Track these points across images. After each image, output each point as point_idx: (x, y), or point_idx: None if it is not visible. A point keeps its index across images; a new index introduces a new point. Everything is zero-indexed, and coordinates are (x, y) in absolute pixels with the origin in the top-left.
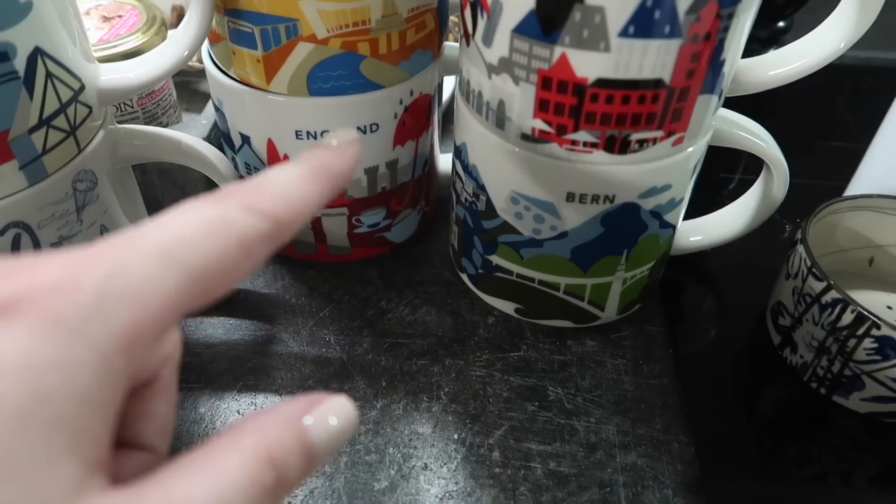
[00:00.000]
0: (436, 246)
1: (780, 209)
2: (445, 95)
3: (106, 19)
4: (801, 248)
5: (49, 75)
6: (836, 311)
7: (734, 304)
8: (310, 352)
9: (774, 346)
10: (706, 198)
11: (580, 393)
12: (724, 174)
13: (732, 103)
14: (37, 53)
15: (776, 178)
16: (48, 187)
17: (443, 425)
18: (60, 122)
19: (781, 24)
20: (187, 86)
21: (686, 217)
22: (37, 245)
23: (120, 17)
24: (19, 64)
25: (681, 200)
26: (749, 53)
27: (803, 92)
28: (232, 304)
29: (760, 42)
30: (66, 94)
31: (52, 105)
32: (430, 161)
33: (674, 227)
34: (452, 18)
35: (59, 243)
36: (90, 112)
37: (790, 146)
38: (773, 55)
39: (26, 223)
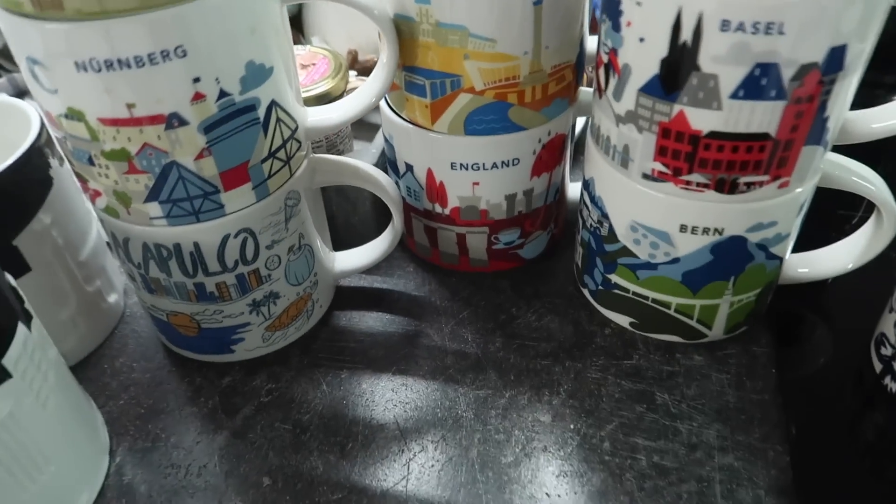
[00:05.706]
0: (561, 264)
1: (893, 244)
2: (577, 130)
3: (303, 66)
4: None
5: (278, 120)
6: None
7: (842, 333)
8: (451, 346)
9: (876, 374)
10: (827, 234)
11: (685, 400)
12: (843, 211)
13: (852, 148)
14: (272, 105)
15: (886, 220)
16: (269, 203)
17: (561, 416)
18: (281, 154)
19: None
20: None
21: (800, 250)
22: (256, 246)
23: (314, 64)
24: (261, 113)
25: (787, 235)
26: (875, 99)
27: None
28: (388, 302)
29: (886, 88)
30: (286, 134)
31: (277, 142)
32: (560, 190)
33: (780, 259)
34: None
35: (271, 245)
36: (300, 146)
37: None
38: (876, 110)
39: (252, 229)
